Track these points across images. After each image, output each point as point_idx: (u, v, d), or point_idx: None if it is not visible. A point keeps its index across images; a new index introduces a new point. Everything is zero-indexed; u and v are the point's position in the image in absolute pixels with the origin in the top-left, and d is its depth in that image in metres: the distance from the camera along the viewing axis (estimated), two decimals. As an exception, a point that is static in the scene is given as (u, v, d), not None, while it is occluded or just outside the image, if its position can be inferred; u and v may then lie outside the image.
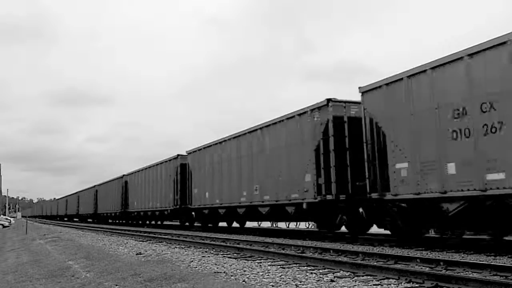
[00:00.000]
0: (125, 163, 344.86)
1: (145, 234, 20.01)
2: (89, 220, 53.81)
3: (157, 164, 29.69)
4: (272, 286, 6.29)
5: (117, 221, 41.55)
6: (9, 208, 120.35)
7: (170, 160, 27.39)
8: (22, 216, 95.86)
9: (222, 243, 13.23)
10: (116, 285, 7.32)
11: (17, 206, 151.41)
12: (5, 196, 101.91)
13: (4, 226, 48.99)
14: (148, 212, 31.08)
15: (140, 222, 35.05)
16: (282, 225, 27.19)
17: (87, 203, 51.21)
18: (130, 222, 37.29)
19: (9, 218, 62.86)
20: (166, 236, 17.60)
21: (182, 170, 25.58)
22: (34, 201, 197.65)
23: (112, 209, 39.87)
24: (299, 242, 13.09)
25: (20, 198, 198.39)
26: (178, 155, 26.28)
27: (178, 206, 25.52)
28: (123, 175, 37.36)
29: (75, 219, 63.56)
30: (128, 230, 25.03)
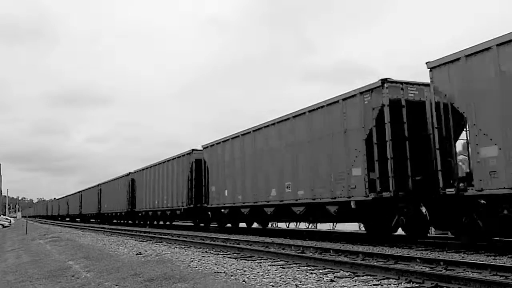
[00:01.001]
0: (125, 163, 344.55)
1: (145, 234, 20.01)
2: (92, 220, 51.35)
3: (168, 160, 27.28)
4: (272, 286, 6.30)
5: (123, 221, 39.58)
6: (9, 208, 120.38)
7: (183, 156, 24.88)
8: (23, 216, 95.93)
9: (222, 243, 13.23)
10: (116, 285, 7.32)
11: (17, 206, 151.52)
12: (5, 196, 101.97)
13: (4, 226, 48.99)
14: (158, 212, 28.92)
15: (148, 222, 32.85)
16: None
17: (90, 203, 48.87)
18: (137, 222, 35.39)
19: (9, 218, 62.85)
20: (166, 236, 17.60)
21: (197, 166, 23.40)
22: (34, 201, 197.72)
23: (118, 209, 37.70)
24: (299, 242, 13.09)
25: (20, 198, 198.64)
26: (192, 149, 24.01)
27: (192, 205, 23.45)
28: (130, 172, 35.36)
29: (77, 219, 60.31)
30: (129, 230, 25.02)
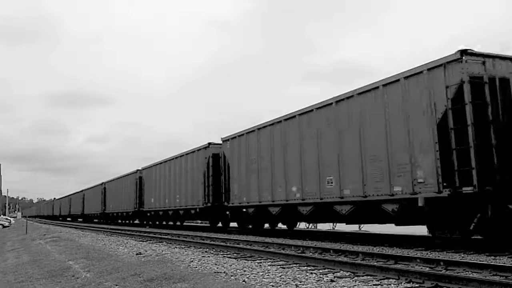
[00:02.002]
0: (125, 163, 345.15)
1: (145, 234, 20.01)
2: (95, 220, 49.32)
3: (181, 156, 25.28)
4: (272, 286, 6.29)
5: (130, 222, 38.08)
6: (9, 208, 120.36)
7: (198, 150, 23.08)
8: (23, 216, 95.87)
9: (222, 243, 13.23)
10: (116, 285, 7.32)
11: (17, 206, 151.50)
12: (5, 196, 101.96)
13: (4, 226, 48.98)
14: (169, 211, 26.91)
15: (158, 222, 31.81)
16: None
17: (93, 202, 46.70)
18: (145, 222, 33.70)
19: (9, 218, 62.82)
20: (166, 236, 17.60)
21: (214, 161, 21.59)
22: (34, 201, 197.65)
23: (124, 208, 35.50)
24: (299, 242, 13.09)
25: (20, 198, 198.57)
26: (209, 143, 22.16)
27: (210, 204, 21.51)
28: (137, 169, 33.08)
29: (79, 220, 58.67)
30: (128, 230, 25.02)
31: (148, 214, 30.83)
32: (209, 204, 21.33)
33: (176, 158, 25.83)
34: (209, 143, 21.72)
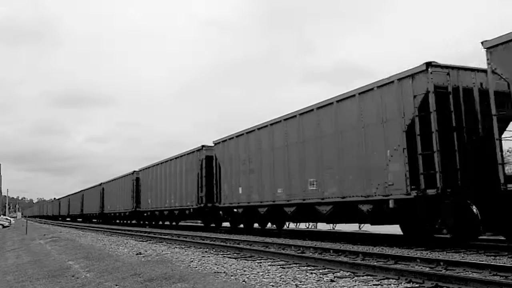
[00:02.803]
0: (125, 163, 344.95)
1: (145, 234, 20.00)
2: (117, 221, 41.94)
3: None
4: (272, 286, 6.30)
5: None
6: (9, 208, 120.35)
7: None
8: (23, 216, 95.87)
9: (222, 243, 13.23)
10: (116, 285, 7.32)
11: (17, 206, 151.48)
12: (5, 196, 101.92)
13: (4, 226, 48.99)
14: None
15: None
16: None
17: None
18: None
19: (9, 218, 62.83)
20: (166, 236, 17.59)
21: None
22: (34, 201, 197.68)
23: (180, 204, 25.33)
24: (299, 242, 13.09)
25: (20, 198, 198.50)
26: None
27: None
28: (202, 146, 23.21)
29: (94, 220, 49.76)
30: (128, 230, 25.01)
31: (221, 211, 21.35)
32: (414, 194, 10.92)
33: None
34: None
